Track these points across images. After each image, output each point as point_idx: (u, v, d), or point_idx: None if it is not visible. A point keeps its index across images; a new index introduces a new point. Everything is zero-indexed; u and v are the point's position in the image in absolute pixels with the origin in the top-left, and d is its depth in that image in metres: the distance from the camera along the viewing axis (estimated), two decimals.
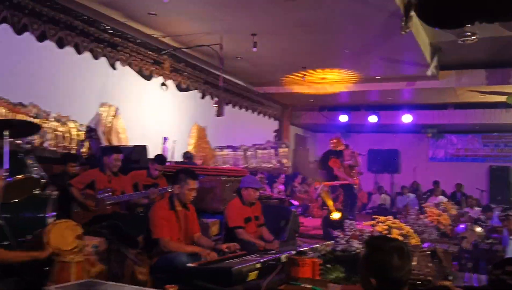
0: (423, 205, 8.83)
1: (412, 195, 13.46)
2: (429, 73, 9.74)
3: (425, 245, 4.86)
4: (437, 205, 8.54)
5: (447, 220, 7.19)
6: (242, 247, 4.46)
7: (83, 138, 6.80)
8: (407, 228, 4.97)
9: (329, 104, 14.68)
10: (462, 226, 6.92)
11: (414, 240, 4.77)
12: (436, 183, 13.35)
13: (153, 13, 6.94)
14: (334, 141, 9.22)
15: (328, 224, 7.50)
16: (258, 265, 3.77)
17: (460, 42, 8.43)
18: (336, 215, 7.75)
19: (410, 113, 13.74)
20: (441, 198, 11.25)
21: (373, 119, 14.09)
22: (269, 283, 3.44)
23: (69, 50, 6.60)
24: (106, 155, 5.52)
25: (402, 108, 13.89)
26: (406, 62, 9.66)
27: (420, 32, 8.14)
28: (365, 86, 11.85)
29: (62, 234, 3.21)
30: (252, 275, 3.72)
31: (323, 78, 10.97)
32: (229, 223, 5.00)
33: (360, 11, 6.77)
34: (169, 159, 8.05)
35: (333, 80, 11.19)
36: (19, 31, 5.81)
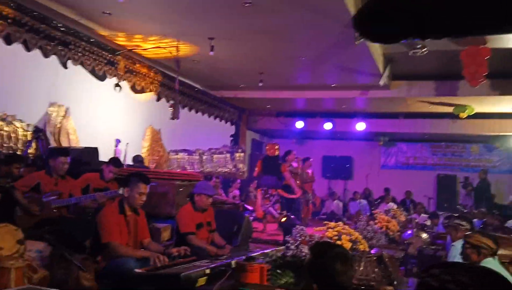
0: (373, 211, 9.06)
1: (364, 202, 13.77)
2: (381, 83, 10.03)
3: (373, 250, 4.98)
4: (387, 212, 8.79)
5: (395, 226, 7.40)
6: (194, 253, 4.43)
7: (30, 139, 6.52)
8: (356, 234, 5.07)
9: (285, 110, 14.85)
10: (409, 232, 7.15)
11: (363, 246, 4.88)
12: (387, 190, 13.74)
13: (108, 12, 6.78)
14: (269, 147, 9.31)
15: (284, 229, 7.55)
16: (208, 271, 3.74)
17: (411, 53, 8.75)
18: (282, 219, 7.86)
19: (363, 121, 14.09)
20: (391, 204, 11.57)
21: (328, 126, 14.36)
22: (218, 288, 3.42)
23: (17, 46, 6.34)
24: (52, 158, 5.33)
25: (356, 116, 14.22)
26: (360, 71, 9.91)
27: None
28: (320, 94, 12.07)
29: (2, 239, 3.06)
30: (201, 281, 3.69)
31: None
32: (180, 228, 4.94)
33: (316, 20, 6.89)
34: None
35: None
36: None
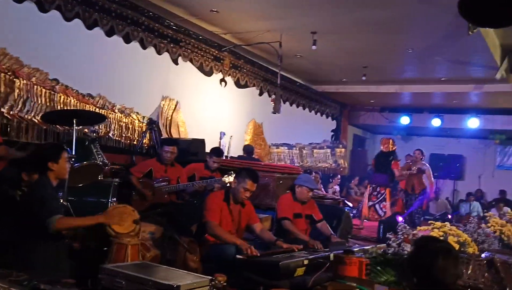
0: (486, 214, 8.43)
1: (476, 203, 12.87)
2: (498, 76, 9.24)
3: (484, 254, 4.65)
4: (501, 215, 8.12)
5: (511, 231, 6.82)
6: (290, 242, 4.50)
7: (145, 130, 7.08)
8: (465, 236, 4.77)
9: (390, 105, 14.32)
10: None
11: (472, 249, 4.58)
12: (502, 192, 12.69)
13: (215, 10, 7.09)
14: (383, 142, 8.99)
15: (383, 227, 7.35)
16: (306, 262, 3.80)
17: None
18: (400, 218, 7.65)
19: (476, 117, 13.11)
20: (507, 208, 10.64)
21: (436, 122, 13.57)
22: (316, 279, 3.45)
23: (135, 45, 6.90)
24: (160, 147, 5.80)
25: (468, 112, 13.28)
26: (474, 64, 9.23)
27: (490, 32, 7.74)
28: (429, 88, 11.45)
29: (121, 218, 3.38)
30: (300, 271, 3.76)
31: None
32: (278, 214, 5.09)
33: (425, 11, 6.55)
34: (225, 154, 8.20)
35: None
36: (89, 26, 6.15)
